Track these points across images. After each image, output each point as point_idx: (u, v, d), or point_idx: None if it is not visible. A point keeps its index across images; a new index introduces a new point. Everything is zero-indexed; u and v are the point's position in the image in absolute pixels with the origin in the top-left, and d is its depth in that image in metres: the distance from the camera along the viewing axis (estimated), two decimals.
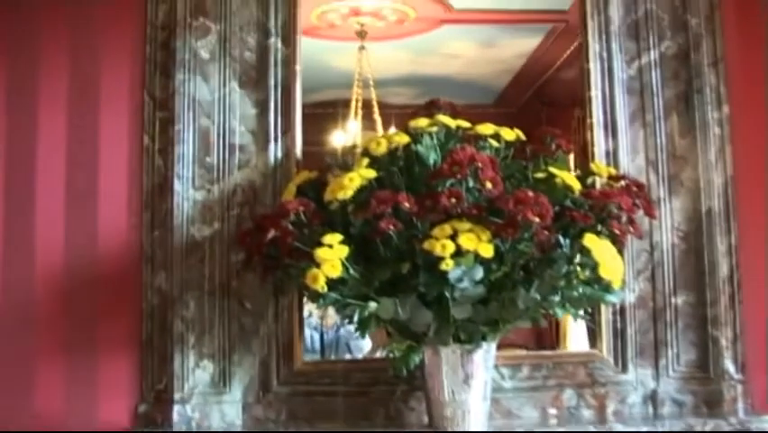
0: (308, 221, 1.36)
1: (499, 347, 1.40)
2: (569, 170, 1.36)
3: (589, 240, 1.27)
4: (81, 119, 1.72)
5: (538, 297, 1.28)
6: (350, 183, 1.32)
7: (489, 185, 1.26)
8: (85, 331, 1.55)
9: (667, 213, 1.46)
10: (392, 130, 1.80)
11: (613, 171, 1.50)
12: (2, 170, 1.68)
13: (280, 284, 1.53)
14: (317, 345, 1.87)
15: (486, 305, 1.30)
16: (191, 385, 1.57)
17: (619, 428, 1.41)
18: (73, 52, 1.73)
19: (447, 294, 1.26)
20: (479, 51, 2.02)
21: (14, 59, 1.62)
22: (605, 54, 1.51)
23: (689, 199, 1.48)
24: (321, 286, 1.17)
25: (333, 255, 1.25)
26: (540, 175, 1.36)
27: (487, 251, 1.18)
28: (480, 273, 1.25)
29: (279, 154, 1.51)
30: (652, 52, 1.51)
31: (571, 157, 1.54)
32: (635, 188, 1.40)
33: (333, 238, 1.28)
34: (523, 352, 1.69)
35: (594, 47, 1.49)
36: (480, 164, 1.25)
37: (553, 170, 1.35)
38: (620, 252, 1.19)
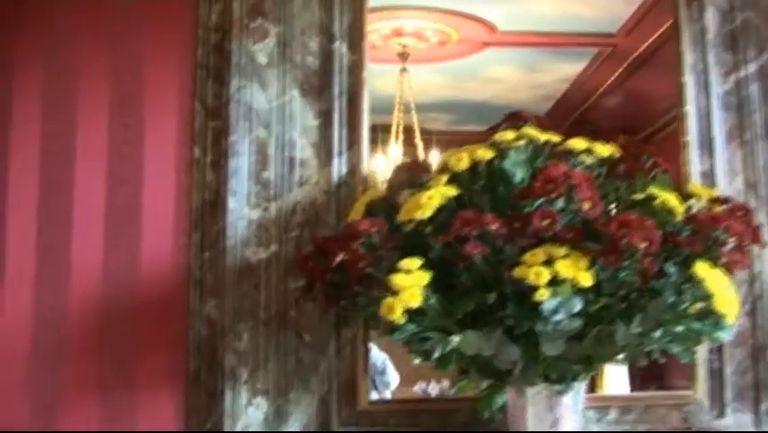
0: (381, 244, 1.34)
1: None
2: (671, 191, 1.34)
3: (701, 269, 1.24)
4: (124, 130, 1.73)
5: (639, 331, 1.24)
6: (429, 202, 1.29)
7: (586, 205, 1.23)
8: (124, 364, 1.53)
9: None
10: (433, 155, 1.81)
11: (714, 193, 1.48)
12: (37, 186, 1.70)
13: (344, 315, 1.51)
14: None
15: (580, 340, 1.26)
16: (243, 425, 1.55)
17: None
18: (114, 57, 1.74)
19: (538, 328, 1.22)
20: (520, 76, 2.06)
21: (50, 66, 1.63)
22: (700, 66, 1.50)
23: None
24: (398, 317, 1.13)
25: (412, 282, 1.23)
26: (639, 196, 1.34)
27: (586, 279, 1.12)
28: (578, 305, 1.22)
29: (344, 170, 1.50)
30: (750, 65, 1.50)
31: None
32: (739, 213, 1.37)
33: (412, 263, 1.26)
34: (610, 393, 1.65)
35: (688, 59, 1.49)
36: (575, 182, 1.22)
37: (654, 190, 1.33)
38: None
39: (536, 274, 1.18)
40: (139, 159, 1.73)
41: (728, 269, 1.31)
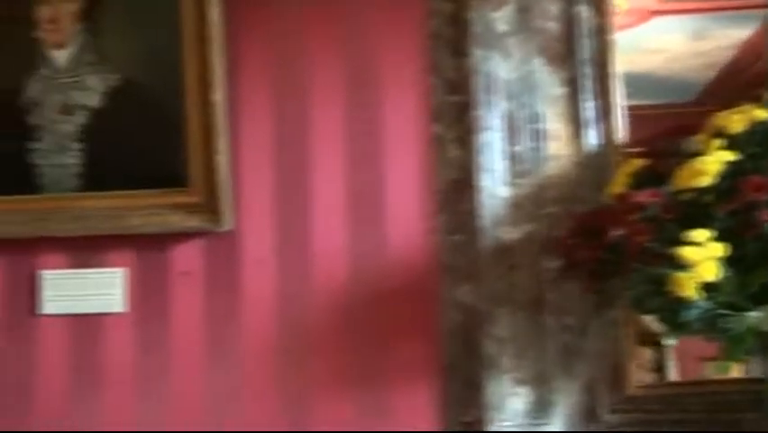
0: (661, 216, 1.67)
1: None
2: None
3: None
4: (361, 110, 2.31)
5: None
6: (708, 168, 1.57)
7: None
8: (373, 355, 1.94)
9: None
10: None
11: None
12: (273, 172, 2.33)
13: (610, 294, 2.02)
14: None
15: None
16: (505, 416, 2.06)
17: None
18: (345, 35, 2.33)
19: None
20: (686, 45, 2.42)
21: (280, 49, 2.18)
22: None
23: None
24: (692, 293, 1.36)
25: (705, 255, 1.41)
26: None
27: None
28: None
29: (597, 141, 1.90)
30: None
31: None
32: None
33: (701, 234, 1.44)
34: None
35: None
36: None
37: None
38: None
39: None
40: (378, 139, 2.28)
41: None
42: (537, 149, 1.95)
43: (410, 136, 2.25)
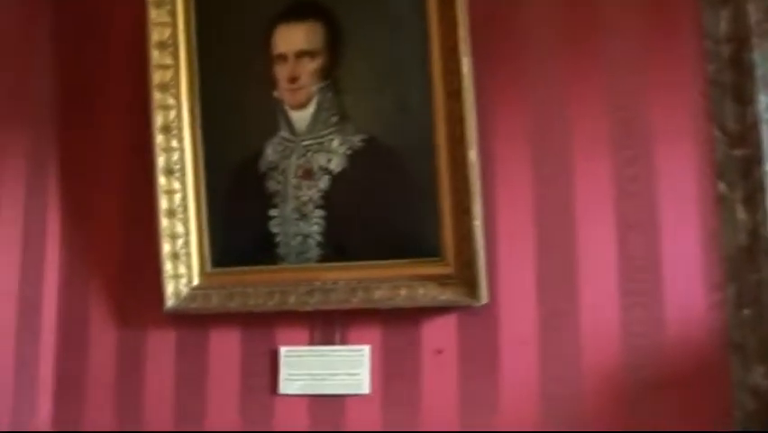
0: None
1: None
2: None
3: None
4: (629, 167, 2.73)
5: None
6: None
7: None
8: None
9: None
10: None
11: None
12: (533, 238, 2.85)
13: None
14: None
15: None
16: None
17: None
18: (610, 82, 2.82)
19: None
20: None
21: (535, 97, 2.77)
22: None
23: None
24: None
25: None
26: None
27: None
28: None
29: None
30: None
31: None
32: None
33: None
34: None
35: None
36: None
37: None
38: None
39: None
40: (651, 198, 2.68)
41: None
42: None
43: (689, 196, 2.63)
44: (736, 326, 2.42)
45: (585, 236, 2.75)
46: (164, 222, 3.08)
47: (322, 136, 3.06)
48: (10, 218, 3.26)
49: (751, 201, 2.45)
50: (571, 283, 2.70)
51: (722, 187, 2.54)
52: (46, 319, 3.30)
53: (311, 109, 3.07)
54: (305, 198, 3.06)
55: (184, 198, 3.12)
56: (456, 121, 2.84)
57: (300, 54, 2.99)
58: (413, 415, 2.80)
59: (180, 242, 3.13)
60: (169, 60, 3.15)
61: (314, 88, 3.05)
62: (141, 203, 3.16)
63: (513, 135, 2.90)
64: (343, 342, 2.96)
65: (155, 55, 3.10)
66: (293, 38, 3.02)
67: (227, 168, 3.10)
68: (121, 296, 3.25)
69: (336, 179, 3.02)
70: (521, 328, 2.74)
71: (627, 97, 2.80)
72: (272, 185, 3.10)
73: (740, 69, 2.48)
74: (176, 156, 3.13)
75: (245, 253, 3.12)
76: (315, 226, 3.05)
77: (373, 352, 2.91)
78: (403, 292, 2.90)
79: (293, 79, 3.07)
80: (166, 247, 3.09)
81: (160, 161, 3.11)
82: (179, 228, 3.14)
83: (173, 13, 3.13)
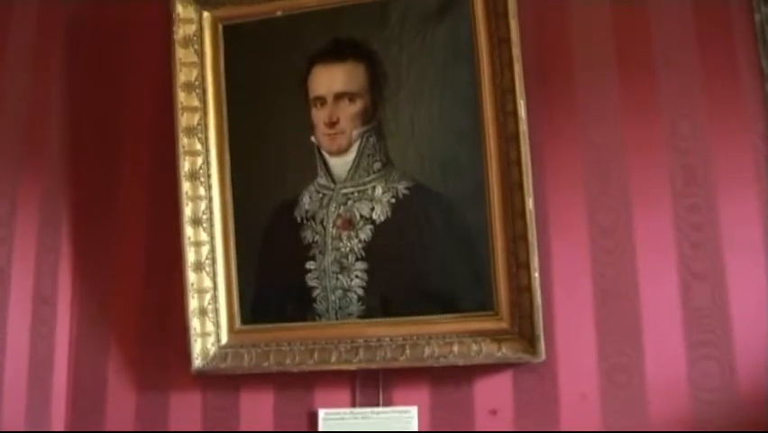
0: None
1: None
2: None
3: None
4: (692, 214, 2.78)
5: None
6: None
7: None
8: None
9: None
10: None
11: None
12: (593, 290, 2.85)
13: None
14: None
15: None
16: None
17: None
18: (671, 125, 2.88)
19: None
20: None
21: (591, 141, 2.91)
22: None
23: None
24: None
25: None
26: None
27: None
28: None
29: None
30: None
31: None
32: None
33: None
34: None
35: None
36: None
37: None
38: None
39: None
40: (716, 247, 2.69)
41: None
42: None
43: (755, 243, 2.66)
44: None
45: (647, 287, 2.80)
46: (191, 276, 3.04)
47: (363, 183, 3.02)
48: (20, 272, 3.21)
49: None
50: (634, 336, 2.74)
51: None
52: (57, 380, 3.24)
53: (352, 155, 3.03)
54: (345, 250, 3.02)
55: (212, 251, 3.08)
56: (511, 166, 2.83)
57: (340, 96, 2.96)
58: None
59: (208, 297, 3.08)
60: (196, 103, 3.13)
61: (354, 133, 3.00)
62: (166, 255, 3.15)
63: (567, 181, 2.91)
64: (388, 403, 2.91)
65: (182, 97, 3.08)
66: (332, 79, 2.99)
67: (259, 218, 3.05)
68: (142, 356, 3.18)
69: (379, 228, 2.98)
70: (581, 385, 2.75)
71: (687, 142, 2.85)
72: (309, 236, 3.05)
73: None
74: (203, 205, 3.10)
75: (279, 309, 3.06)
76: (356, 280, 3.01)
77: (421, 413, 2.88)
78: (455, 349, 2.87)
79: (332, 123, 3.04)
80: (193, 303, 3.03)
81: (187, 210, 3.07)
82: (207, 282, 3.08)
83: (201, 53, 3.12)
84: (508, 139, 2.84)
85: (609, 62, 2.94)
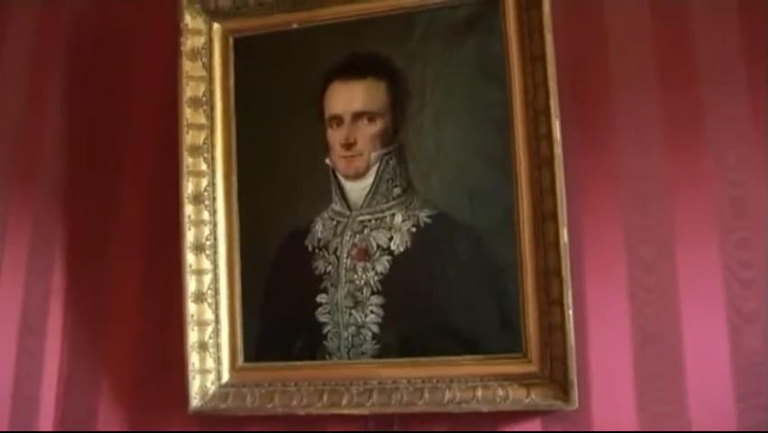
0: None
1: None
2: None
3: None
4: (739, 251, 2.61)
5: None
6: None
7: None
8: None
9: None
10: None
11: None
12: (631, 330, 2.67)
13: None
14: None
15: None
16: None
17: None
18: (714, 156, 2.67)
19: None
20: None
21: (628, 171, 2.78)
22: None
23: None
24: None
25: None
26: None
27: None
28: None
29: None
30: None
31: None
32: None
33: None
34: None
35: None
36: None
37: None
38: None
39: None
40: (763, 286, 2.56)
41: None
42: None
43: None
44: None
45: (691, 329, 2.62)
46: (191, 307, 2.84)
47: (382, 210, 2.83)
48: (5, 298, 3.10)
49: None
50: (677, 383, 2.57)
51: None
52: (44, 420, 3.07)
53: (369, 179, 2.83)
54: (359, 282, 2.81)
55: (215, 280, 2.89)
56: (544, 194, 2.62)
57: (358, 116, 2.78)
58: None
59: (209, 330, 2.90)
60: (203, 120, 2.96)
61: (373, 155, 2.82)
62: (165, 284, 2.97)
63: (604, 211, 2.75)
64: None
65: (187, 113, 2.91)
66: (350, 97, 2.81)
67: (267, 246, 2.87)
68: (135, 393, 3.00)
69: (397, 260, 2.78)
70: None
71: (735, 172, 2.68)
72: (321, 266, 2.85)
73: None
74: (207, 230, 2.91)
75: (286, 346, 2.85)
76: (371, 315, 2.81)
77: None
78: (478, 394, 2.67)
79: (349, 145, 2.84)
80: (192, 336, 2.83)
81: (189, 235, 2.88)
82: (208, 314, 2.90)
83: (209, 67, 2.95)
84: (541, 164, 2.64)
85: (650, 83, 2.78)
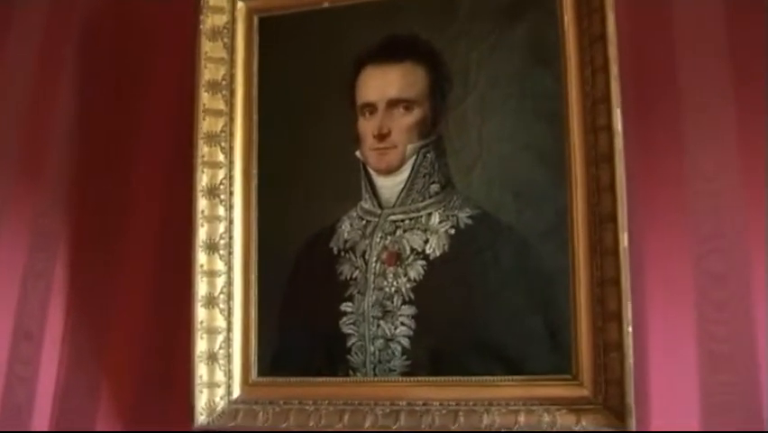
0: None
1: None
2: None
3: None
4: None
5: None
6: None
7: None
8: None
9: None
10: None
11: None
12: (697, 350, 2.36)
13: None
14: None
15: None
16: None
17: None
18: None
19: None
20: None
21: (692, 167, 2.46)
22: None
23: None
24: None
25: None
26: None
27: None
28: None
29: None
30: None
31: None
32: None
33: None
34: None
35: None
36: None
37: None
38: None
39: None
40: None
41: None
42: None
43: None
44: None
45: None
46: (200, 312, 2.56)
47: (417, 210, 2.52)
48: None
49: None
50: (751, 414, 2.26)
51: None
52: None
53: (404, 174, 2.53)
54: (390, 290, 2.50)
55: (229, 283, 2.61)
56: (602, 193, 2.33)
57: (393, 104, 2.50)
58: None
59: (220, 339, 2.60)
60: (221, 106, 2.69)
61: (409, 148, 2.52)
62: (172, 287, 2.72)
63: (667, 215, 2.46)
64: None
65: (204, 98, 2.65)
66: (385, 83, 2.54)
67: (288, 246, 2.60)
68: (137, 407, 2.75)
69: (433, 265, 2.47)
70: None
71: None
72: (347, 271, 2.54)
73: None
74: (222, 227, 2.64)
75: (305, 359, 2.55)
76: (401, 327, 2.49)
77: None
78: (521, 419, 2.34)
79: (382, 136, 2.54)
80: (201, 345, 2.55)
81: (202, 232, 2.60)
82: (220, 321, 2.61)
83: (231, 48, 2.70)
84: (599, 160, 2.34)
85: (721, 71, 2.49)
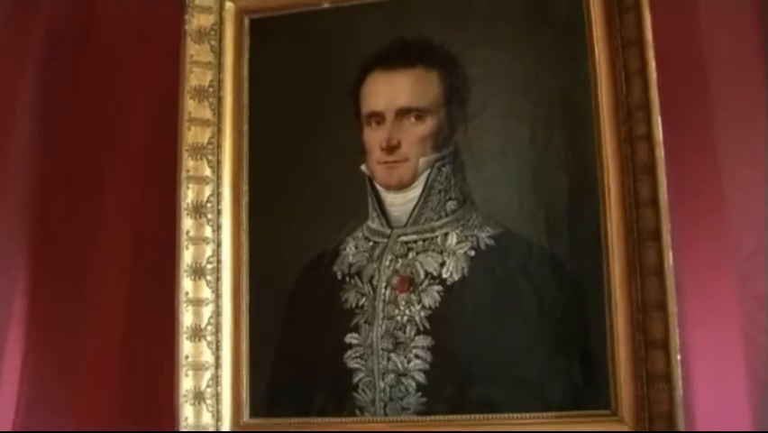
0: None
1: None
2: None
3: None
4: None
5: None
6: None
7: None
8: None
9: None
10: None
11: None
12: (747, 375, 2.21)
13: None
14: None
15: None
16: None
17: None
18: None
19: None
20: None
21: (735, 175, 2.29)
22: None
23: None
24: None
25: None
26: None
27: None
28: None
29: None
30: None
31: None
32: None
33: None
34: None
35: None
36: None
37: None
38: None
39: None
40: None
41: None
42: None
43: None
44: None
45: None
46: (185, 345, 2.30)
47: (432, 229, 2.28)
48: None
49: None
50: None
51: None
52: None
53: (416, 190, 2.29)
54: (401, 319, 2.24)
55: (217, 313, 2.34)
56: (641, 208, 2.12)
57: (403, 113, 2.27)
58: None
59: (207, 376, 2.33)
60: (208, 115, 2.43)
61: (422, 161, 2.27)
62: (152, 317, 2.43)
63: (707, 232, 2.29)
64: None
65: (190, 106, 2.39)
66: (394, 90, 2.30)
67: (284, 271, 2.34)
68: None
69: (451, 291, 2.22)
70: None
71: None
72: (352, 298, 2.29)
73: None
74: (209, 250, 2.37)
75: (305, 398, 2.28)
76: (416, 361, 2.23)
77: None
78: None
79: (391, 148, 2.30)
80: (186, 383, 2.28)
81: (187, 255, 2.34)
82: (207, 356, 2.33)
83: (219, 51, 2.43)
84: (637, 172, 2.14)
85: (754, 75, 2.36)
